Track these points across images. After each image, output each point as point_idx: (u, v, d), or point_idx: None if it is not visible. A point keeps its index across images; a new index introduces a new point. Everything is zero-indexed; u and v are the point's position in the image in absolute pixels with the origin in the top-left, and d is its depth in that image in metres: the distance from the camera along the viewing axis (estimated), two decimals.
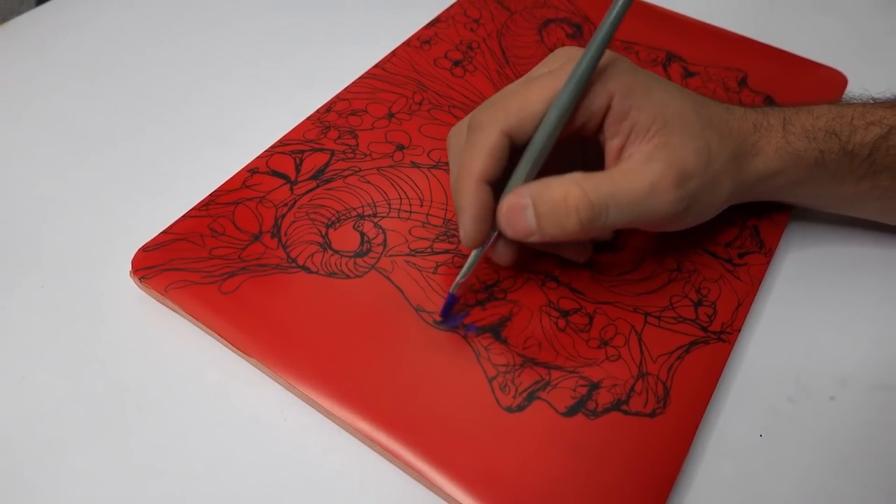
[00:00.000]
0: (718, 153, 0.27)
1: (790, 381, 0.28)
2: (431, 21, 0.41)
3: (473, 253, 0.27)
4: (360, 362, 0.26)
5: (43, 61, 0.39)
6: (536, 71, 0.28)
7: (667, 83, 0.27)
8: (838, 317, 0.30)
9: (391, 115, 0.35)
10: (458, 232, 0.28)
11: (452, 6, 0.42)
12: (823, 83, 0.38)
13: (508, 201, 0.25)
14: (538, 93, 0.25)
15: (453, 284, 0.27)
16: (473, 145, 0.26)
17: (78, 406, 0.26)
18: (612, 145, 0.26)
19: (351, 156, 0.33)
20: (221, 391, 0.27)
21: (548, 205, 0.25)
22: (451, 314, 0.28)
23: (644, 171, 0.25)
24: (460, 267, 0.29)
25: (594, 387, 0.26)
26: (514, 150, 0.26)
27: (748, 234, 0.31)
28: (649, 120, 0.26)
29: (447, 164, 0.33)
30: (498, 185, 0.26)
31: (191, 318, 0.28)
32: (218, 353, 0.28)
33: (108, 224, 0.32)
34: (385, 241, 0.30)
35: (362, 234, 0.30)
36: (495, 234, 0.27)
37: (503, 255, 0.28)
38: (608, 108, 0.26)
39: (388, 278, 0.29)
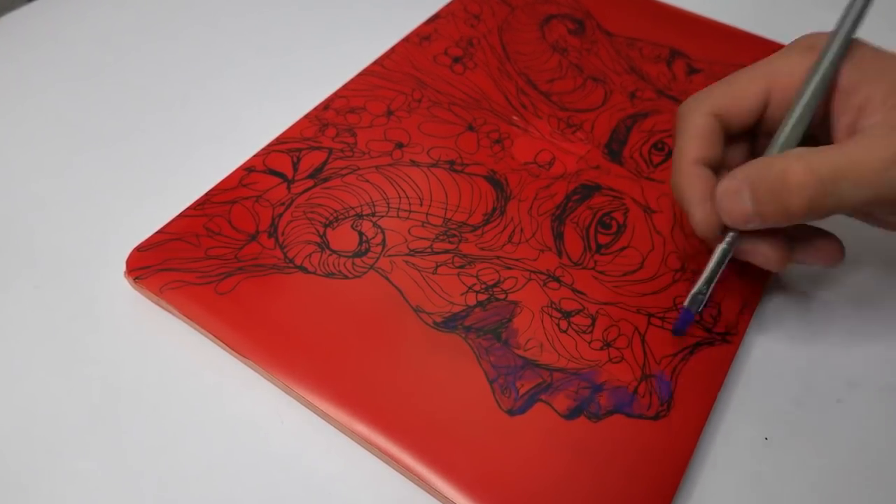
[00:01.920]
0: None
1: (796, 384, 0.28)
2: (431, 17, 0.41)
3: (715, 254, 0.26)
4: (358, 364, 0.26)
5: (35, 58, 0.39)
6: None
7: None
8: (846, 318, 0.30)
9: (390, 113, 0.35)
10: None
11: (452, 2, 0.42)
12: None
13: (723, 184, 0.25)
14: (748, 75, 0.26)
15: (689, 295, 0.26)
16: (681, 131, 0.27)
17: (72, 408, 0.26)
18: (841, 123, 0.25)
19: (349, 154, 0.33)
20: (217, 393, 0.27)
21: (765, 183, 0.23)
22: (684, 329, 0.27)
23: (884, 142, 0.23)
24: (461, 267, 0.29)
25: (596, 389, 0.26)
26: (729, 135, 0.26)
27: None
28: (884, 92, 0.24)
29: (447, 162, 0.33)
30: (723, 171, 0.26)
31: (186, 319, 0.28)
32: (214, 355, 0.28)
33: (102, 224, 0.32)
34: (384, 240, 0.30)
35: (361, 234, 0.30)
36: (737, 233, 0.26)
37: (759, 254, 0.26)
38: (834, 86, 0.25)
39: (386, 279, 0.29)
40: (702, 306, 0.27)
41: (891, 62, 0.25)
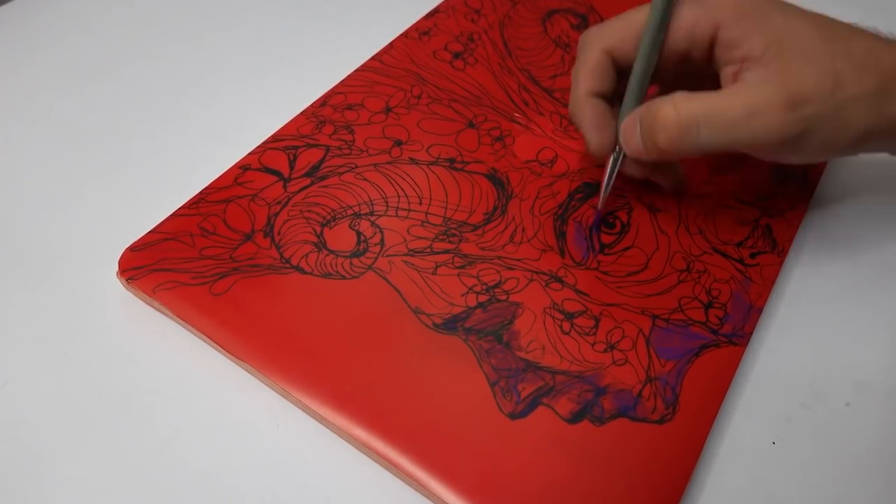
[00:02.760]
0: (850, 82, 0.25)
1: (804, 387, 0.28)
2: (430, 11, 0.41)
3: (609, 165, 0.30)
4: (356, 366, 0.26)
5: (25, 53, 0.39)
6: None
7: (792, 8, 0.27)
8: (854, 320, 0.30)
9: (389, 110, 0.35)
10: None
11: None
12: None
13: (627, 119, 0.28)
14: (640, 15, 0.28)
15: (601, 201, 0.31)
16: (578, 64, 0.30)
17: (63, 412, 0.26)
18: (726, 73, 0.27)
19: (347, 152, 0.33)
20: (212, 396, 0.27)
21: (645, 122, 0.27)
22: (592, 237, 0.31)
23: (749, 93, 0.26)
24: (461, 267, 0.29)
25: (600, 392, 0.26)
26: (620, 69, 0.29)
27: (760, 234, 0.31)
28: (763, 46, 0.26)
29: (447, 160, 0.33)
30: (615, 101, 0.30)
31: (180, 320, 0.28)
32: (208, 357, 0.28)
33: (94, 223, 0.32)
34: (382, 240, 0.30)
35: (359, 234, 0.30)
36: (623, 153, 0.30)
37: (634, 170, 0.31)
38: (715, 37, 0.27)
39: (385, 279, 0.29)
40: (602, 207, 0.31)
41: (774, 13, 0.26)
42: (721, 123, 0.26)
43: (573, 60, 0.37)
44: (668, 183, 0.32)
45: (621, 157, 0.30)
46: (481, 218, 0.31)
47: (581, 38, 0.30)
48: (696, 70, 0.29)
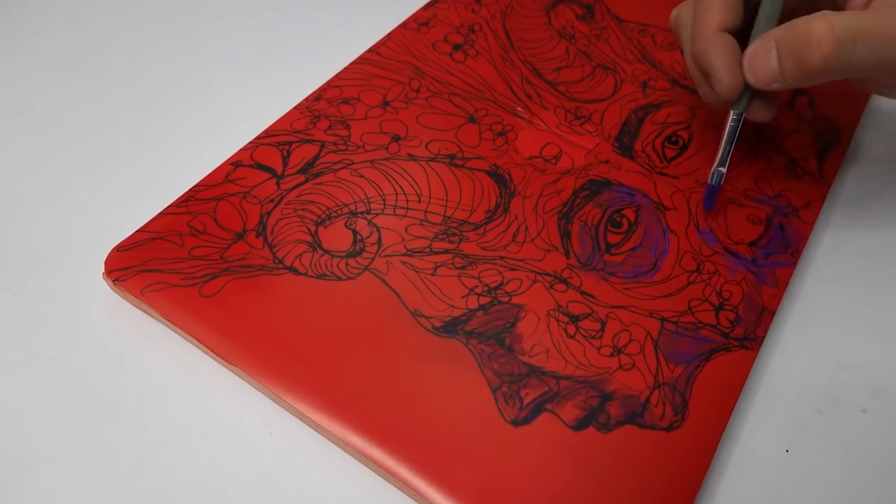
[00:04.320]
0: None
1: (819, 392, 0.28)
2: (430, 2, 0.41)
3: (731, 119, 0.30)
4: (352, 371, 0.26)
5: (7, 46, 0.39)
6: None
7: None
8: (871, 322, 0.30)
9: (386, 104, 0.35)
10: (705, 88, 0.31)
11: None
12: None
13: (754, 46, 0.28)
14: None
15: (714, 168, 0.30)
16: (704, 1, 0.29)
17: (46, 419, 0.26)
18: (854, 2, 0.28)
19: (342, 147, 0.33)
20: (202, 403, 0.27)
21: (790, 41, 0.26)
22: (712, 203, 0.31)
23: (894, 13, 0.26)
24: (461, 268, 0.29)
25: (606, 398, 0.26)
26: (748, 5, 0.29)
27: (773, 233, 0.31)
28: None
29: (447, 156, 0.33)
30: (742, 39, 0.29)
31: (169, 323, 0.28)
32: (198, 362, 0.28)
33: (78, 222, 0.32)
34: (379, 240, 0.30)
35: (355, 233, 0.30)
36: (747, 98, 0.30)
37: (759, 109, 0.30)
38: None
39: (382, 280, 0.29)
40: (723, 179, 0.31)
41: None
42: (879, 39, 0.26)
43: (578, 53, 0.38)
44: (762, 114, 0.31)
45: (746, 106, 0.30)
46: (482, 216, 0.31)
47: None
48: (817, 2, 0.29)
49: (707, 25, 0.29)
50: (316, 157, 0.33)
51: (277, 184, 0.32)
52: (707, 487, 0.25)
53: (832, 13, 0.26)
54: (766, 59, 0.27)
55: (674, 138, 0.35)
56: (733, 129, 0.30)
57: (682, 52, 0.34)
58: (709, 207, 0.32)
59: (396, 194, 0.32)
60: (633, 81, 0.37)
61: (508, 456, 0.25)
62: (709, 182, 0.31)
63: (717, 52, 0.29)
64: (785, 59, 0.27)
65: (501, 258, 0.30)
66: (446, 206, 0.31)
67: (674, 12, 0.33)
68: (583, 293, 0.29)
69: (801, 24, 0.27)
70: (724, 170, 0.31)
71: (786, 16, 0.29)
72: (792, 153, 0.35)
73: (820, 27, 0.26)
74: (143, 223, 0.30)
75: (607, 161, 0.34)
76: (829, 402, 0.28)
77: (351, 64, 0.37)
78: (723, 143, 0.30)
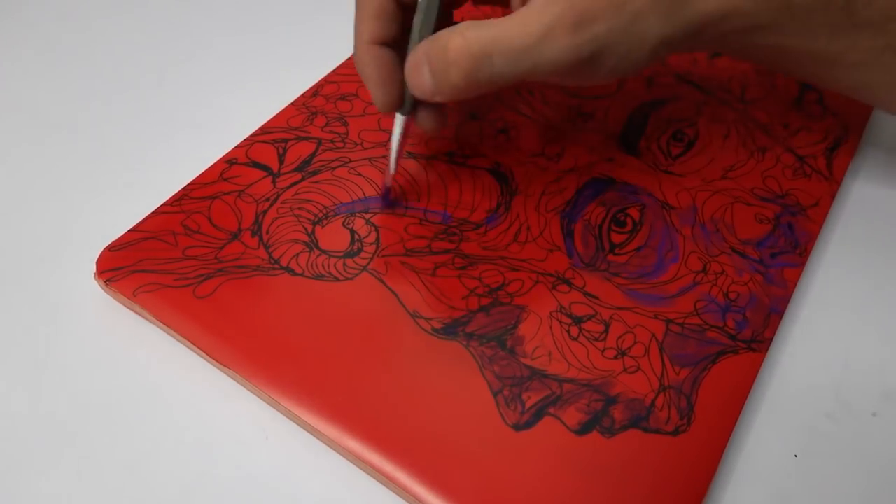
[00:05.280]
0: None
1: (828, 396, 0.28)
2: None
3: (395, 123, 0.29)
4: (349, 374, 0.26)
5: None
6: None
7: None
8: (882, 324, 0.30)
9: None
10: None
11: None
12: None
13: (409, 59, 0.27)
14: None
15: (390, 167, 0.30)
16: (359, 9, 0.29)
17: (37, 423, 0.26)
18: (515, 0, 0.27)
19: (340, 145, 0.33)
20: (196, 406, 0.27)
21: (435, 57, 0.26)
22: (390, 201, 0.31)
23: (538, 15, 0.25)
24: (462, 268, 0.29)
25: (610, 401, 0.26)
26: (406, 10, 0.28)
27: (781, 233, 0.31)
28: None
29: (447, 154, 0.33)
30: (401, 47, 0.28)
31: (162, 324, 0.28)
32: (192, 364, 0.28)
33: (70, 221, 0.32)
34: (378, 239, 0.30)
35: (353, 232, 0.30)
36: (409, 106, 0.29)
37: (425, 121, 0.29)
38: None
39: (381, 281, 0.29)
40: (391, 182, 0.30)
41: None
42: (515, 52, 0.25)
43: None
44: (429, 123, 0.30)
45: (410, 110, 0.29)
46: (483, 216, 0.31)
47: None
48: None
49: (360, 38, 0.28)
50: (313, 155, 0.33)
51: (273, 182, 0.32)
52: (713, 494, 0.25)
53: (470, 25, 0.25)
54: (419, 74, 0.26)
55: (679, 135, 0.35)
56: (397, 134, 0.29)
57: None
58: (386, 209, 0.31)
59: (395, 193, 0.32)
60: (637, 77, 0.37)
61: (510, 461, 0.25)
62: (385, 186, 0.31)
63: (369, 68, 0.28)
64: (435, 75, 0.26)
65: (503, 258, 0.30)
66: (446, 205, 0.31)
67: (354, 57, 0.31)
68: (586, 294, 0.29)
69: (441, 38, 0.26)
70: (392, 173, 0.30)
71: (445, 19, 0.28)
72: (800, 151, 0.35)
73: (456, 44, 0.25)
74: (135, 222, 0.30)
75: (611, 159, 0.34)
76: (838, 405, 0.28)
77: (348, 59, 0.37)
78: (392, 146, 0.30)
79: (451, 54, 0.25)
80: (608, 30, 0.25)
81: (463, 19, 0.27)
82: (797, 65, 0.29)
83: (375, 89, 0.28)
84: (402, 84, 0.28)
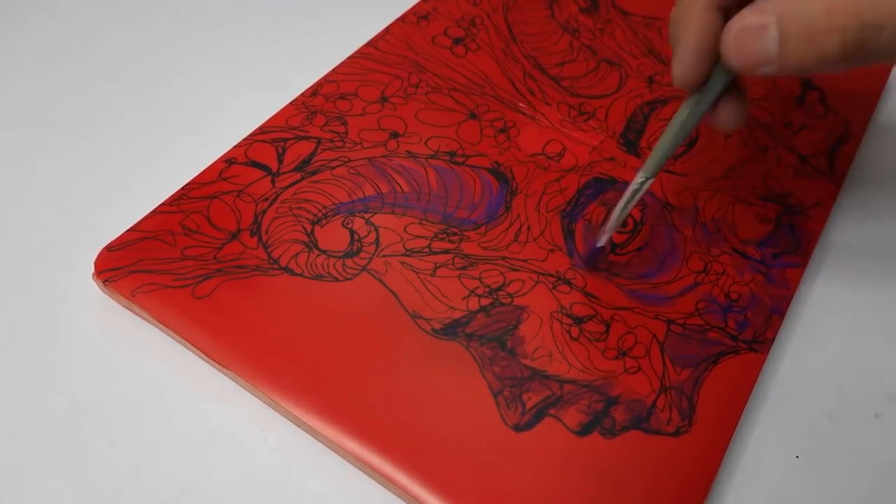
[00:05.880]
0: None
1: (830, 396, 0.28)
2: None
3: (634, 182, 0.26)
4: (349, 375, 0.26)
5: None
6: None
7: None
8: (884, 325, 0.30)
9: (384, 100, 0.35)
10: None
11: None
12: None
13: (744, 19, 0.23)
14: None
15: (606, 229, 0.28)
16: None
17: (34, 425, 0.26)
18: None
19: (339, 144, 0.33)
20: (195, 407, 0.27)
21: (801, 20, 0.22)
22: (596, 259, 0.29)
23: None
24: (462, 268, 0.29)
25: (611, 402, 0.26)
26: None
27: (783, 233, 0.31)
28: None
29: (447, 153, 0.33)
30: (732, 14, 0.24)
31: (160, 325, 0.28)
32: (191, 365, 0.28)
33: (67, 220, 0.32)
34: (377, 239, 0.30)
35: (352, 232, 0.30)
36: (705, 104, 0.25)
37: (727, 114, 0.26)
38: None
39: (380, 281, 0.29)
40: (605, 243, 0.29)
41: None
42: None
43: (582, 47, 0.37)
44: (735, 118, 0.27)
45: (714, 94, 0.25)
46: (484, 215, 0.31)
47: None
48: None
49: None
50: (312, 155, 0.33)
51: (272, 182, 0.32)
52: (714, 495, 0.26)
53: None
54: (759, 38, 0.23)
55: None
56: (634, 192, 0.27)
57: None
58: (591, 267, 0.30)
59: (395, 192, 0.32)
60: (639, 76, 0.37)
61: (510, 462, 0.25)
62: (597, 244, 0.29)
63: (694, 29, 0.25)
64: (793, 42, 0.22)
65: (503, 258, 0.30)
66: (446, 205, 0.32)
67: (673, 10, 0.28)
68: (587, 294, 0.29)
69: (814, 2, 0.22)
70: (611, 233, 0.28)
71: None
72: (802, 150, 0.35)
73: (843, 7, 0.22)
74: (134, 222, 0.30)
75: (612, 158, 0.34)
76: (840, 406, 0.28)
77: (348, 58, 0.37)
78: (620, 204, 0.28)
79: (836, 18, 0.21)
80: None
81: None
82: None
83: (691, 58, 0.25)
84: (711, 62, 0.25)
